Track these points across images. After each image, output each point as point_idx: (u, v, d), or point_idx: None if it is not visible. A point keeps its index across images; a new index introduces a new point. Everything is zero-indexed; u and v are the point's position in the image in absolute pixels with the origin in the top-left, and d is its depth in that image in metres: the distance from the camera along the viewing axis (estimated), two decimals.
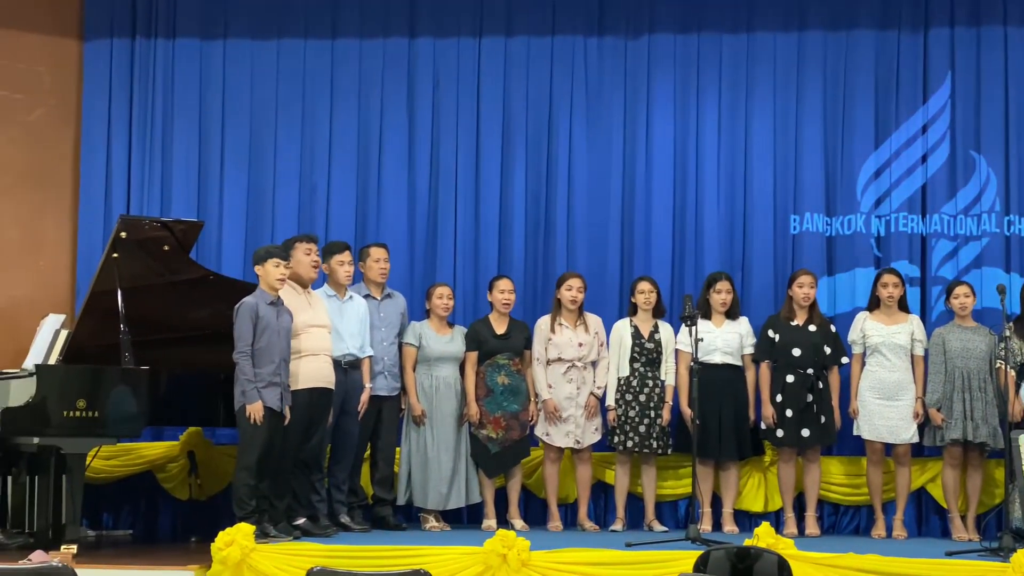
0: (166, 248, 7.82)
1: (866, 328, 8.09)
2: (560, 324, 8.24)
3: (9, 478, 8.04)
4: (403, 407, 8.22)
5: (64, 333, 7.89)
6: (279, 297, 7.38)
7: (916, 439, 8.05)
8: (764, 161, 9.01)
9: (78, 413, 7.23)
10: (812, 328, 8.12)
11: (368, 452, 8.24)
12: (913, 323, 8.12)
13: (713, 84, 9.11)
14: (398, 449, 8.23)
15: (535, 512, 8.54)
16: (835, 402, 8.12)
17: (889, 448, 8.11)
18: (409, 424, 8.18)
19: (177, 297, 7.89)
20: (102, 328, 7.55)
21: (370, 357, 8.00)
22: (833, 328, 8.21)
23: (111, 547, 8.16)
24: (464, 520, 8.50)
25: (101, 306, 7.57)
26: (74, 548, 6.57)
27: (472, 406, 8.14)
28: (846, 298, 8.79)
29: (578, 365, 8.21)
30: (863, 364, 8.09)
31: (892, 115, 8.96)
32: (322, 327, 7.60)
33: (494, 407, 8.14)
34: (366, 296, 8.16)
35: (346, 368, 7.84)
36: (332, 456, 7.97)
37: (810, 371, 8.06)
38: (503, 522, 8.10)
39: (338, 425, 7.85)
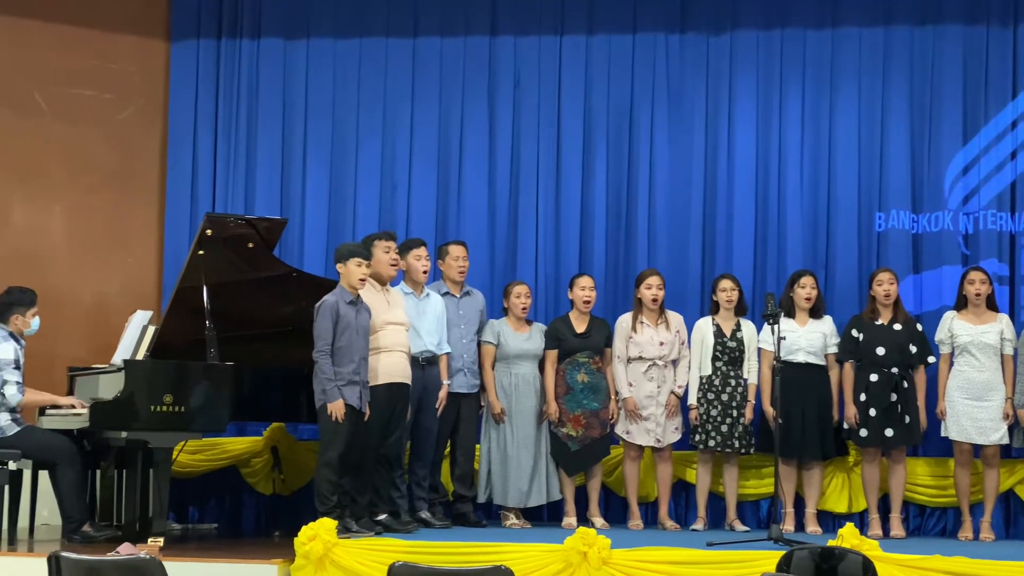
0: (250, 245, 7.89)
1: (954, 327, 7.96)
2: (641, 322, 8.21)
3: (98, 472, 8.19)
4: (482, 404, 8.24)
5: (151, 329, 7.99)
6: (359, 295, 7.42)
7: (1005, 440, 7.90)
8: (849, 158, 8.91)
9: (165, 408, 7.33)
10: (897, 327, 8.01)
11: (448, 449, 8.27)
12: (1002, 322, 7.98)
13: (796, 80, 9.03)
14: (478, 446, 8.25)
15: (615, 510, 8.53)
16: (921, 402, 8.00)
17: (977, 449, 7.97)
18: (489, 421, 8.19)
19: (261, 294, 7.96)
20: (188, 324, 7.63)
21: (447, 354, 8.02)
22: (919, 327, 8.09)
23: (197, 540, 8.26)
24: (544, 518, 8.50)
25: (187, 302, 7.66)
26: (161, 541, 6.65)
27: (552, 404, 8.13)
28: (933, 296, 8.67)
29: (659, 363, 8.17)
30: (951, 364, 7.97)
31: (981, 110, 8.82)
32: (400, 324, 7.64)
33: (574, 405, 8.14)
34: (445, 294, 8.19)
35: (423, 365, 7.87)
36: (412, 452, 8.00)
37: (894, 370, 7.95)
38: (583, 520, 8.09)
39: (417, 422, 7.89)
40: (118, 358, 7.85)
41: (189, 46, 9.50)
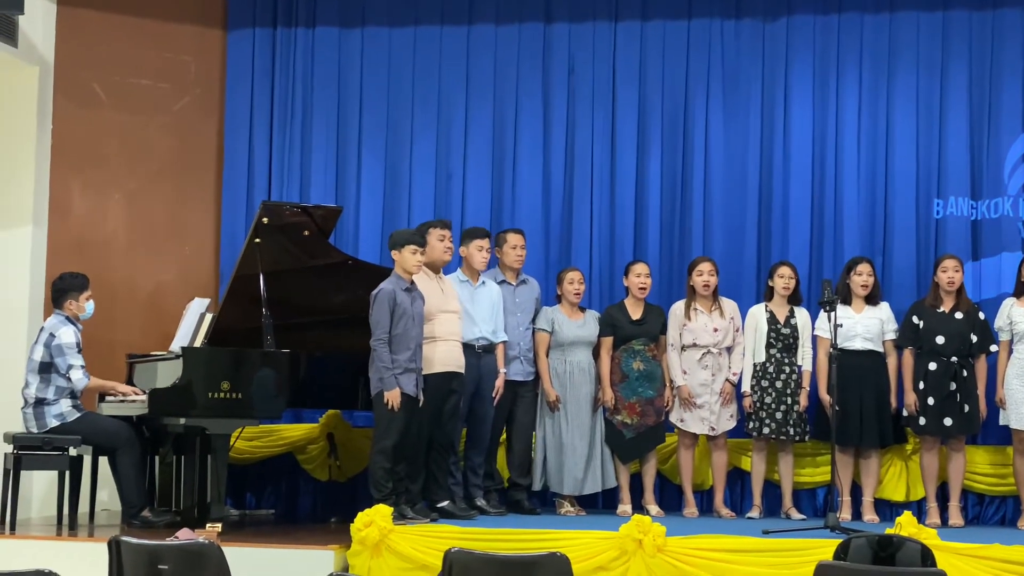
0: (306, 233, 7.94)
1: (1013, 314, 7.86)
2: (695, 309, 8.18)
3: (156, 458, 8.28)
4: (538, 392, 8.24)
5: (209, 317, 8.06)
6: (413, 282, 7.45)
7: None
8: (906, 144, 8.82)
9: (222, 395, 7.39)
10: (958, 315, 7.93)
11: (504, 437, 8.29)
12: None
13: (853, 66, 8.94)
14: (533, 434, 8.26)
15: (670, 498, 8.52)
16: (981, 391, 7.92)
17: None
18: (543, 409, 8.19)
19: (317, 281, 8.01)
20: (245, 312, 7.69)
21: (504, 342, 8.03)
22: (982, 315, 7.98)
23: (254, 526, 8.33)
24: (599, 505, 8.50)
25: (244, 290, 7.72)
26: (219, 526, 6.73)
27: (607, 391, 8.12)
28: (992, 283, 8.56)
29: (713, 351, 8.14)
30: (1010, 351, 7.87)
31: None
32: (453, 312, 7.66)
33: (629, 393, 8.12)
34: (501, 282, 8.19)
35: (480, 353, 7.88)
36: (468, 440, 8.02)
37: (954, 359, 7.87)
38: (638, 507, 8.08)
39: (472, 410, 7.90)
40: (176, 345, 7.92)
41: (245, 35, 9.55)
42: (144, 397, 7.63)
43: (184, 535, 6.20)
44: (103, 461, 7.97)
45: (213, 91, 9.56)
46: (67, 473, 7.73)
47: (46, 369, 7.66)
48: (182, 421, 7.49)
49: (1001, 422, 7.92)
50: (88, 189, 9.19)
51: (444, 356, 7.54)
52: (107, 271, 8.87)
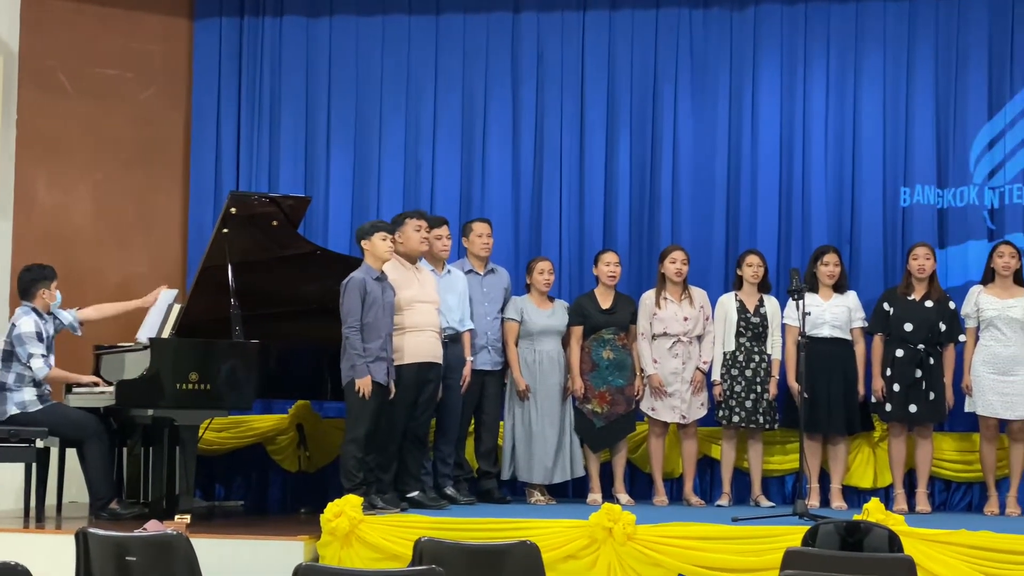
0: (275, 223, 7.91)
1: (980, 302, 7.92)
2: (665, 298, 8.20)
3: (124, 449, 8.24)
4: (506, 381, 8.24)
5: (177, 307, 8.03)
6: (383, 272, 7.43)
7: None
8: (873, 132, 8.86)
9: (191, 386, 7.36)
10: (928, 304, 7.97)
11: (472, 426, 8.29)
12: None
13: (821, 54, 8.97)
14: (502, 423, 8.26)
15: (640, 487, 8.54)
16: (948, 379, 7.96)
17: (1003, 424, 7.94)
18: (513, 398, 8.20)
19: (285, 272, 7.98)
20: (213, 302, 7.65)
21: (470, 331, 8.03)
22: (952, 305, 8.02)
23: (223, 517, 8.31)
24: (569, 494, 8.52)
25: (212, 281, 7.68)
26: (187, 518, 6.68)
27: (577, 380, 8.13)
28: (958, 271, 8.62)
29: (684, 340, 8.16)
30: (977, 339, 7.93)
31: (1007, 84, 8.75)
32: (429, 303, 7.65)
33: (599, 382, 8.14)
34: (469, 271, 8.19)
35: (447, 342, 7.87)
36: (436, 430, 8.02)
37: (921, 347, 7.92)
38: (608, 496, 8.10)
39: (441, 399, 7.90)
40: (143, 336, 7.88)
41: (212, 25, 9.50)
42: (110, 388, 7.59)
43: (152, 527, 6.17)
44: (71, 453, 7.93)
45: (180, 81, 9.50)
46: (34, 465, 7.68)
47: (8, 358, 7.63)
48: (150, 412, 7.46)
49: (967, 409, 7.97)
50: (54, 180, 9.12)
51: (416, 347, 7.54)
52: (74, 262, 8.80)
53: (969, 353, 7.95)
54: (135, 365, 7.62)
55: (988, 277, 8.01)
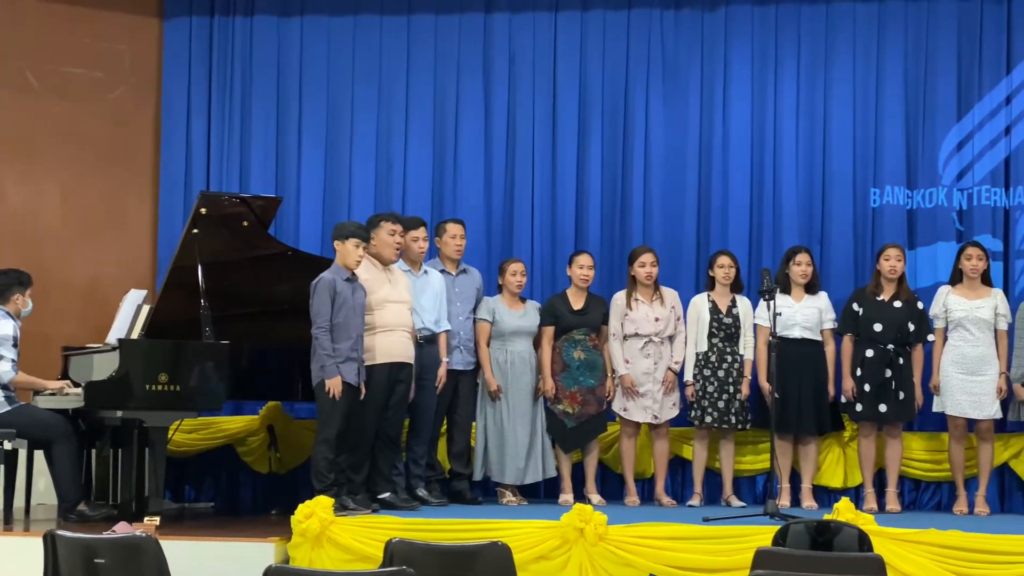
0: (245, 224, 7.88)
1: (949, 302, 7.97)
2: (636, 299, 8.21)
3: (93, 451, 8.19)
4: (478, 382, 8.24)
5: (146, 308, 7.98)
6: (354, 273, 7.42)
7: (1000, 415, 7.92)
8: (843, 134, 8.90)
9: (160, 387, 7.32)
10: (897, 304, 8.01)
11: (444, 427, 8.28)
12: (996, 297, 7.99)
13: (791, 56, 9.01)
14: (474, 424, 8.26)
15: (612, 487, 8.54)
16: (917, 379, 8.01)
17: (972, 424, 7.99)
18: (485, 399, 8.19)
19: (256, 272, 7.95)
20: (183, 303, 7.62)
21: (446, 332, 8.02)
22: (920, 305, 8.07)
23: (193, 519, 8.28)
24: (541, 495, 8.52)
25: (182, 281, 7.65)
26: (157, 520, 6.66)
27: (548, 381, 8.13)
28: (927, 272, 8.68)
29: (655, 340, 8.17)
30: (945, 339, 7.98)
31: (975, 86, 8.80)
32: (401, 303, 7.63)
33: (570, 382, 8.14)
34: (441, 271, 8.18)
35: (422, 343, 7.86)
36: (409, 430, 8.00)
37: (890, 347, 7.96)
38: (580, 497, 8.10)
39: (415, 399, 7.88)
40: (113, 337, 7.84)
41: (181, 24, 9.45)
42: (79, 390, 7.54)
43: (121, 529, 6.15)
44: (39, 455, 7.87)
45: (149, 80, 9.45)
46: (2, 467, 7.61)
47: None
48: (119, 414, 7.42)
49: (935, 408, 8.02)
50: (22, 179, 9.06)
51: (388, 347, 7.52)
52: (42, 262, 8.75)
53: (938, 353, 8.00)
54: (104, 366, 7.58)
55: (956, 278, 8.07)
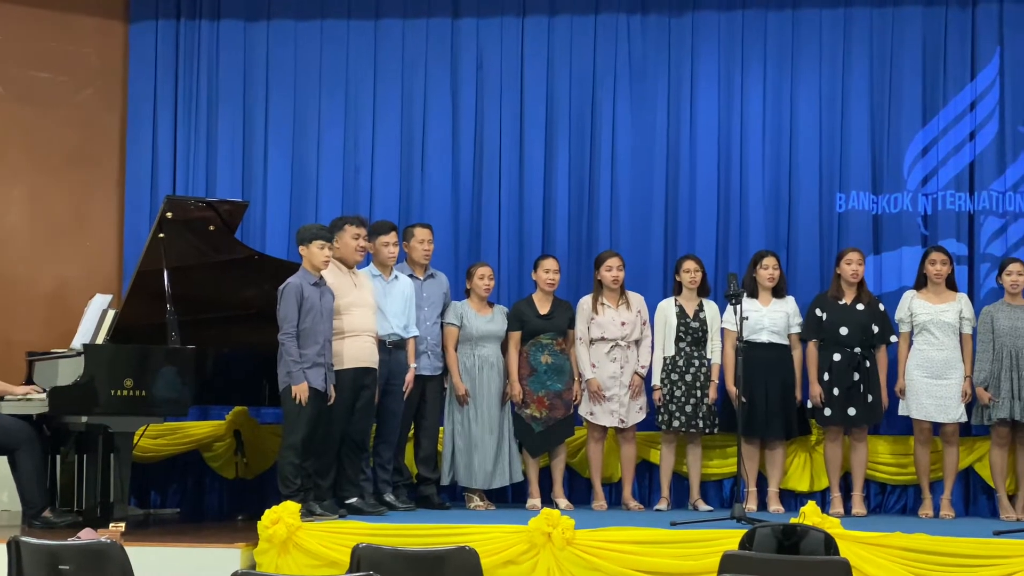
0: (212, 228, 7.85)
1: (914, 307, 8.02)
2: (602, 304, 8.22)
3: (58, 457, 8.13)
4: (446, 386, 8.23)
5: (111, 313, 7.94)
6: (322, 277, 7.40)
7: (964, 418, 7.97)
8: (809, 139, 8.95)
9: (125, 392, 7.28)
10: (860, 307, 8.06)
11: (412, 431, 8.26)
12: (961, 301, 8.05)
13: (758, 62, 9.05)
14: (441, 428, 8.25)
15: (579, 491, 8.55)
16: (883, 381, 8.06)
17: (937, 427, 8.04)
18: (452, 403, 8.18)
19: (223, 277, 7.92)
20: (149, 308, 7.58)
21: (415, 337, 8.01)
22: (881, 307, 8.14)
23: (159, 525, 8.24)
24: (508, 499, 8.52)
25: (148, 286, 7.61)
26: (122, 526, 6.61)
27: (515, 385, 8.13)
28: (893, 277, 8.74)
29: (621, 344, 8.19)
30: (911, 343, 8.03)
31: (940, 92, 8.87)
32: (366, 307, 7.62)
33: (537, 386, 8.14)
34: (409, 276, 8.16)
35: (391, 348, 7.84)
36: (377, 435, 7.98)
37: (857, 350, 8.00)
38: (547, 501, 8.11)
39: (383, 405, 7.86)
40: (77, 342, 7.79)
41: (148, 27, 9.41)
42: (44, 395, 7.49)
43: (86, 535, 6.09)
44: (2, 461, 7.80)
45: (115, 84, 9.40)
46: None
47: None
48: (84, 419, 7.37)
49: (901, 412, 8.06)
50: None
51: (355, 352, 7.50)
52: (7, 267, 8.70)
53: (903, 357, 8.05)
54: (69, 371, 7.53)
55: (921, 283, 8.12)
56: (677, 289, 8.32)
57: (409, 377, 7.93)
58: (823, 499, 8.21)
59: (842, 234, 8.84)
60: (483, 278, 8.24)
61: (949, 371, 7.93)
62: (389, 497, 7.85)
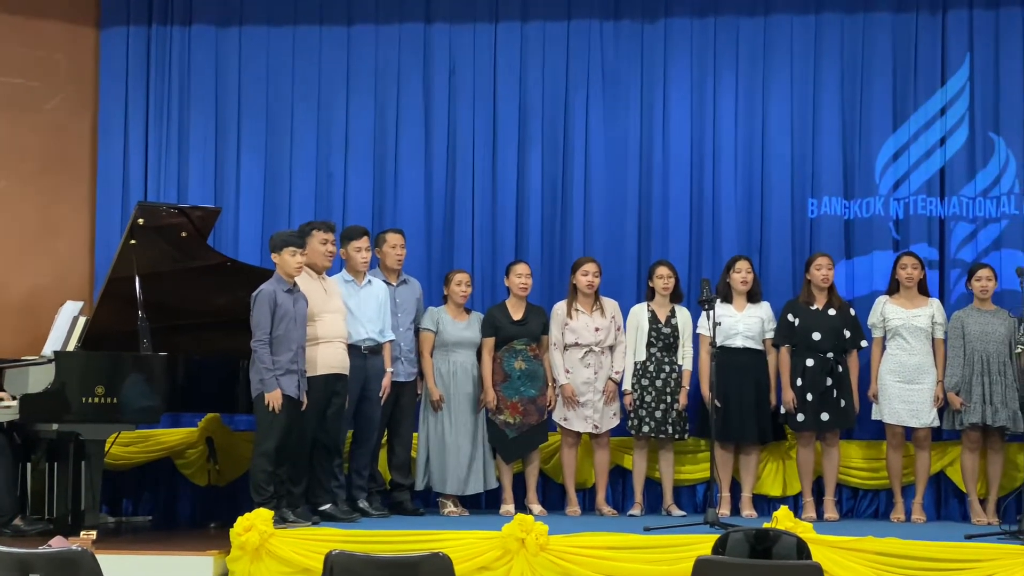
0: (183, 234, 7.83)
1: (886, 312, 8.06)
2: (577, 309, 8.23)
3: (29, 464, 8.07)
4: (420, 392, 8.22)
5: (82, 320, 7.91)
6: (295, 284, 7.38)
7: (936, 423, 8.02)
8: (781, 145, 8.99)
9: (97, 399, 7.25)
10: (831, 312, 8.10)
11: (385, 437, 8.25)
12: (933, 306, 8.09)
13: (730, 68, 9.08)
14: (415, 434, 8.23)
15: (553, 497, 8.56)
16: (854, 386, 8.09)
17: (909, 432, 8.08)
18: (426, 409, 8.17)
19: (194, 283, 7.90)
20: (120, 315, 7.56)
21: (391, 342, 7.99)
22: (852, 311, 8.18)
23: (131, 533, 8.20)
24: (482, 505, 8.50)
25: (119, 293, 7.59)
26: (94, 534, 6.57)
27: (489, 391, 8.13)
28: (864, 282, 8.78)
29: (595, 350, 8.20)
30: (883, 348, 8.07)
31: (910, 97, 8.92)
32: (336, 313, 7.61)
33: (511, 392, 8.14)
34: (383, 281, 8.15)
35: (366, 353, 7.83)
36: (354, 441, 7.97)
37: (830, 355, 8.03)
38: (521, 507, 8.10)
39: (359, 410, 7.85)
40: (48, 349, 7.75)
41: (119, 33, 9.37)
42: (15, 403, 7.44)
43: (57, 543, 6.07)
44: None
45: (86, 90, 9.36)
46: None
47: None
48: (55, 427, 7.34)
49: (873, 417, 8.10)
50: None
51: (327, 358, 7.49)
52: None
53: (876, 362, 8.08)
54: (40, 379, 7.49)
55: (893, 287, 8.16)
56: (650, 295, 8.33)
57: (386, 382, 7.92)
58: (796, 504, 8.25)
59: (814, 239, 8.88)
60: (460, 284, 8.24)
61: (921, 376, 7.97)
62: (363, 503, 7.84)
